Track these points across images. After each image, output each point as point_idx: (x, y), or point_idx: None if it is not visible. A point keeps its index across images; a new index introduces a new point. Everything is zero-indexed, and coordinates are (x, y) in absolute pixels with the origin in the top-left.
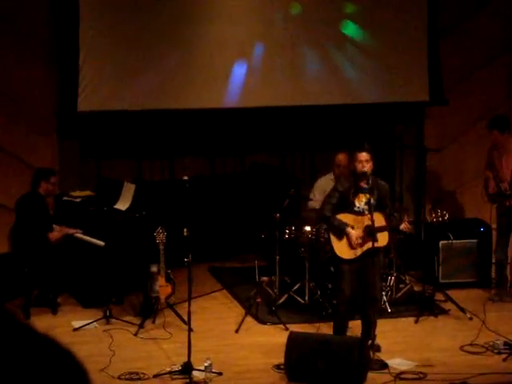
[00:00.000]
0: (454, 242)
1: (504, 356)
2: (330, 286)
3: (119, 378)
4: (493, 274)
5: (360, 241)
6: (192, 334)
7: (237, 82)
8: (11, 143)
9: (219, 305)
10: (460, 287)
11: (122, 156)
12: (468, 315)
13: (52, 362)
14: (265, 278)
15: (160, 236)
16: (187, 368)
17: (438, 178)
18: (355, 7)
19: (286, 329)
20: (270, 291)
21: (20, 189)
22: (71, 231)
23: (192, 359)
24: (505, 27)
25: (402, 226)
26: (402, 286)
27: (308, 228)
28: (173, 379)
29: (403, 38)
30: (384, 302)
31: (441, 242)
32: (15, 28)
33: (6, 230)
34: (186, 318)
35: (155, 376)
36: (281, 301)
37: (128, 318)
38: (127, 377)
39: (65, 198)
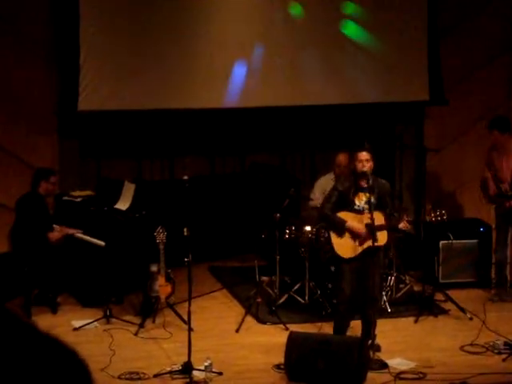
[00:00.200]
0: (454, 242)
1: (504, 356)
2: (330, 285)
3: (119, 377)
4: (493, 274)
5: (365, 231)
6: (192, 333)
7: (237, 82)
8: (11, 143)
9: (219, 304)
10: (460, 287)
11: (122, 156)
12: (468, 315)
13: (55, 361)
14: (265, 278)
15: (160, 236)
16: (187, 368)
17: (438, 178)
18: (355, 7)
19: (286, 329)
20: (270, 291)
21: (20, 189)
22: (71, 231)
23: (192, 359)
24: (505, 27)
25: (401, 225)
26: (401, 285)
27: (308, 228)
28: (173, 379)
29: (403, 38)
30: (384, 301)
31: (441, 242)
32: (15, 28)
33: (6, 229)
34: (186, 317)
35: (155, 376)
36: (281, 301)
37: (128, 318)
38: (127, 376)
39: (65, 198)
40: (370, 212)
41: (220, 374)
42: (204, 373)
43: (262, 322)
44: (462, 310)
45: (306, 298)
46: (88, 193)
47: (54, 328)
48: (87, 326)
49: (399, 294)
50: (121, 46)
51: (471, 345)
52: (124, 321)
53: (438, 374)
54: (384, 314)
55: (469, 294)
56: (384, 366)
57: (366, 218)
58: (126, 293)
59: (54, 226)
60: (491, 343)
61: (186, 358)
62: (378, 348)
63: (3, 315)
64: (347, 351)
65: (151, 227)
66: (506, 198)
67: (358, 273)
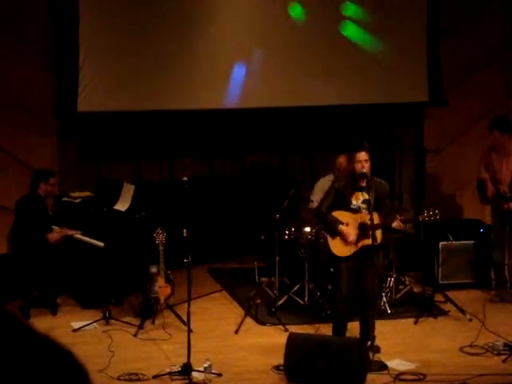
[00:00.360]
0: (454, 242)
1: (504, 357)
2: (329, 286)
3: (118, 378)
4: (492, 275)
5: (354, 237)
6: (191, 334)
7: (237, 83)
8: (11, 144)
9: (219, 306)
10: (459, 288)
11: (121, 157)
12: (468, 316)
13: (53, 363)
14: (264, 279)
15: (159, 237)
16: (187, 369)
17: (438, 178)
18: (355, 8)
19: (286, 330)
20: (270, 292)
21: (19, 190)
22: (70, 232)
23: (191, 360)
24: (505, 28)
25: (395, 224)
26: (401, 287)
27: (308, 229)
28: (172, 380)
29: (403, 39)
30: (384, 302)
31: (440, 243)
32: (15, 28)
33: (5, 231)
34: (185, 318)
35: (155, 377)
36: (280, 302)
37: (127, 319)
38: (127, 377)
39: (64, 199)
40: (369, 212)
41: (219, 375)
42: (203, 374)
43: (261, 323)
44: (462, 311)
45: (306, 299)
46: (87, 194)
47: (54, 329)
48: (86, 327)
49: (399, 295)
50: (120, 47)
51: (471, 346)
52: (123, 322)
53: (437, 375)
54: (384, 316)
55: (468, 295)
56: (384, 367)
57: (361, 218)
58: (125, 294)
59: (54, 227)
60: (491, 344)
61: (185, 359)
62: (377, 349)
63: (1, 317)
64: (347, 352)
65: (151, 228)
66: (504, 200)
67: (354, 272)
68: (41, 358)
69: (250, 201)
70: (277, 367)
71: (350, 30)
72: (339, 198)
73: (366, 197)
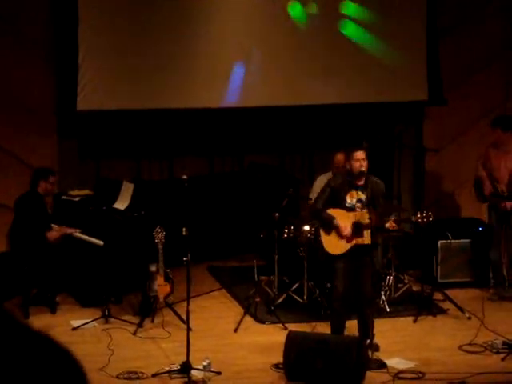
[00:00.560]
0: (453, 241)
1: (503, 355)
2: (328, 285)
3: (118, 377)
4: (491, 274)
5: (350, 231)
6: (191, 333)
7: (236, 82)
8: (11, 143)
9: (218, 304)
10: (458, 287)
11: (120, 155)
12: (467, 315)
13: (50, 361)
14: (264, 278)
15: (159, 235)
16: (186, 367)
17: (437, 178)
18: (355, 7)
19: (285, 328)
20: (269, 291)
21: (19, 188)
22: (70, 230)
23: (191, 358)
24: (504, 28)
25: (387, 225)
26: (400, 285)
27: (307, 227)
28: (171, 378)
29: (402, 38)
30: (383, 301)
31: (439, 242)
32: (15, 28)
33: (5, 229)
34: (184, 317)
35: (154, 375)
36: (279, 300)
37: (127, 318)
38: (126, 376)
39: (64, 198)
40: (368, 210)
41: (219, 373)
42: (203, 372)
43: (260, 321)
44: (461, 309)
45: (305, 297)
46: (86, 192)
47: (53, 328)
48: (86, 326)
49: (398, 294)
50: (119, 46)
51: (470, 344)
52: (123, 320)
53: (436, 373)
54: (383, 314)
55: (467, 294)
56: (383, 365)
57: (355, 216)
58: (124, 292)
59: (53, 225)
60: (490, 343)
61: (184, 358)
62: (376, 348)
63: None
64: (346, 351)
65: (150, 227)
66: (501, 199)
67: (350, 270)
68: (38, 357)
69: (250, 200)
70: (276, 365)
71: (350, 30)
72: (334, 196)
73: (362, 196)
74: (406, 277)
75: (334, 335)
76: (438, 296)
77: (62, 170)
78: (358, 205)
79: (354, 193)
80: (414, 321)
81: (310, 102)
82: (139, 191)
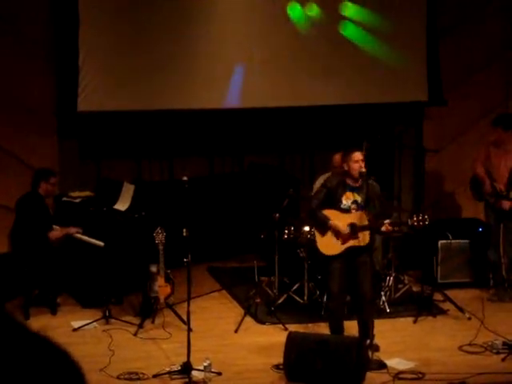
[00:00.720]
0: (453, 241)
1: (503, 356)
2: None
3: (118, 377)
4: (491, 274)
5: (346, 231)
6: (191, 333)
7: (236, 83)
8: (11, 143)
9: (218, 305)
10: (459, 287)
11: (121, 156)
12: (467, 315)
13: (48, 362)
14: (264, 278)
15: (159, 236)
16: (186, 368)
17: (437, 178)
18: (355, 8)
19: (285, 329)
20: (269, 291)
21: (20, 189)
22: (72, 230)
23: (191, 359)
24: (504, 28)
25: (383, 228)
26: (400, 286)
27: (307, 228)
28: (172, 379)
29: (403, 39)
30: (383, 302)
31: (440, 242)
32: (15, 28)
33: (6, 230)
34: (185, 318)
35: (154, 376)
36: (280, 301)
37: (127, 318)
38: (126, 377)
39: (64, 199)
40: (364, 212)
41: (219, 374)
42: (203, 373)
43: (261, 322)
44: (461, 309)
45: (305, 298)
46: (87, 193)
47: (54, 329)
48: (86, 327)
49: (398, 294)
50: (120, 47)
51: (470, 345)
52: (123, 321)
53: (436, 373)
54: (383, 314)
55: (467, 294)
56: (383, 366)
57: (351, 218)
58: (125, 293)
59: (54, 226)
60: (490, 343)
61: (185, 359)
62: (376, 348)
63: None
64: (346, 351)
65: (150, 228)
66: (500, 198)
67: (346, 271)
68: (36, 358)
69: (250, 200)
70: (276, 366)
71: (350, 30)
72: (330, 198)
73: (357, 197)
74: (406, 277)
75: (334, 336)
76: (438, 296)
77: (63, 171)
78: (354, 206)
79: (349, 194)
80: (414, 321)
81: (309, 102)
82: (140, 192)
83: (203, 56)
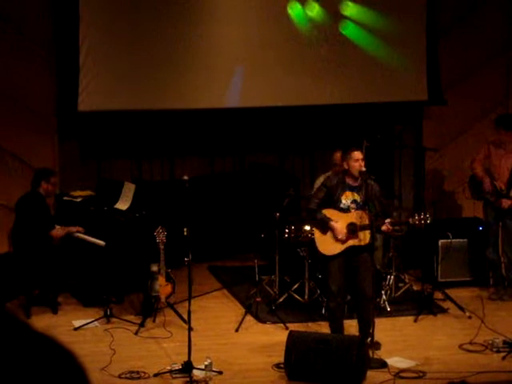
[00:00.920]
0: (454, 240)
1: (503, 354)
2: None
3: (119, 376)
4: (490, 273)
5: (344, 235)
6: (192, 333)
7: (236, 82)
8: (11, 143)
9: (219, 304)
10: (459, 286)
11: (122, 156)
12: (467, 314)
13: (52, 361)
14: (265, 277)
15: (160, 236)
16: (187, 367)
17: (437, 178)
18: (354, 7)
19: (286, 328)
20: (270, 290)
21: (20, 189)
22: (73, 229)
23: (192, 358)
24: (504, 27)
25: (383, 228)
26: (401, 284)
27: (307, 227)
28: (173, 378)
29: (403, 38)
30: (383, 300)
31: (440, 241)
32: (15, 28)
33: (6, 229)
34: (186, 317)
35: (155, 375)
36: (280, 300)
37: (128, 317)
38: (128, 376)
39: (65, 198)
40: (363, 211)
41: (220, 373)
42: (204, 372)
43: (261, 321)
44: (461, 308)
45: (306, 297)
46: (88, 193)
47: (55, 328)
48: (88, 326)
49: (398, 293)
50: (120, 47)
51: (470, 343)
52: (124, 320)
53: (437, 372)
54: (383, 313)
55: (468, 293)
56: (384, 364)
57: (350, 217)
58: (126, 292)
59: (56, 226)
60: (490, 341)
61: (186, 358)
62: (377, 346)
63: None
64: (346, 350)
65: (151, 227)
66: (500, 196)
67: (346, 270)
68: (39, 357)
69: (250, 200)
70: (277, 365)
71: (350, 30)
72: (329, 197)
73: (356, 197)
74: (406, 276)
75: (335, 335)
76: (438, 295)
77: (63, 171)
78: (353, 206)
79: (349, 193)
80: (415, 320)
81: (310, 102)
82: (140, 192)
83: (204, 56)
